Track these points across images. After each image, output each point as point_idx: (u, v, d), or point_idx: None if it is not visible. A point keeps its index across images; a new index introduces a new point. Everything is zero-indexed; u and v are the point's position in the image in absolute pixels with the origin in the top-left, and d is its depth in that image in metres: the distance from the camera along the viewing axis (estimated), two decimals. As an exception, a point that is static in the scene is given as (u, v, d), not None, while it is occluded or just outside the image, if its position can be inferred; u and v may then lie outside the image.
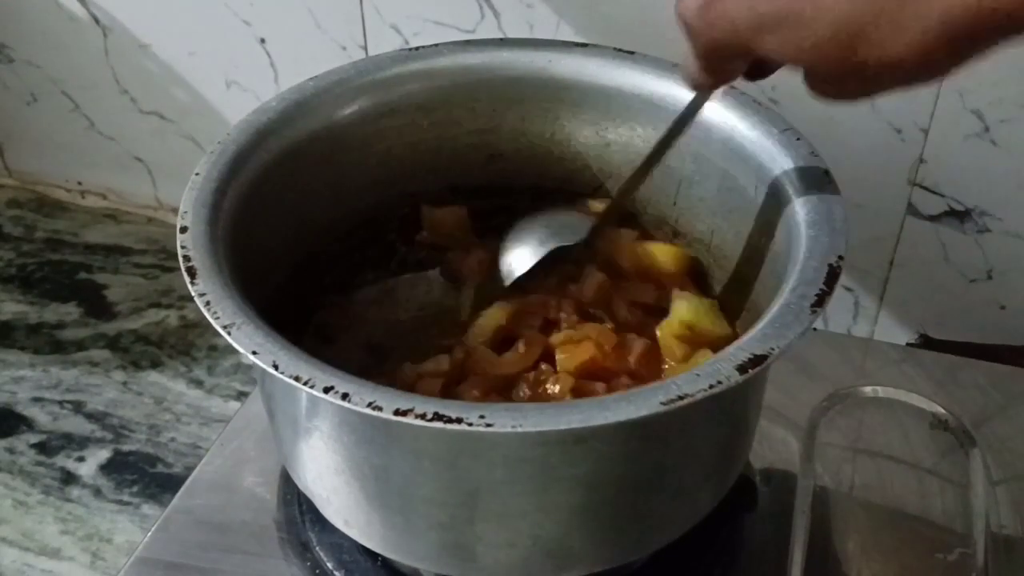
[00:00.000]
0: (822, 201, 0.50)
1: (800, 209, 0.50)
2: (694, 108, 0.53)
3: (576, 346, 0.54)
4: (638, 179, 0.57)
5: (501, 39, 0.69)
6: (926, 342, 0.80)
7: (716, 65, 0.46)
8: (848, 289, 0.79)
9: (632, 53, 0.60)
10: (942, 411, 0.67)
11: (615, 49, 0.61)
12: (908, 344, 0.80)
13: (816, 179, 0.51)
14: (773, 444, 0.66)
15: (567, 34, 0.75)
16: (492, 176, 0.65)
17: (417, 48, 0.61)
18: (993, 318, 0.76)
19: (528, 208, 0.65)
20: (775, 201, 0.53)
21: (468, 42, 0.62)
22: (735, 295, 0.60)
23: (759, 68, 0.47)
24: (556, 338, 0.55)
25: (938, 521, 0.62)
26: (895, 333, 0.80)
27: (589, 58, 0.61)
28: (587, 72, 0.61)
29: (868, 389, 0.69)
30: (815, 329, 0.76)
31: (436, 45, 0.62)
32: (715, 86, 0.50)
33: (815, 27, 0.38)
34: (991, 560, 0.59)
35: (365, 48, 0.82)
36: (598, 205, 0.62)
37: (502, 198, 0.65)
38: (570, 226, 0.59)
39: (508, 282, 0.59)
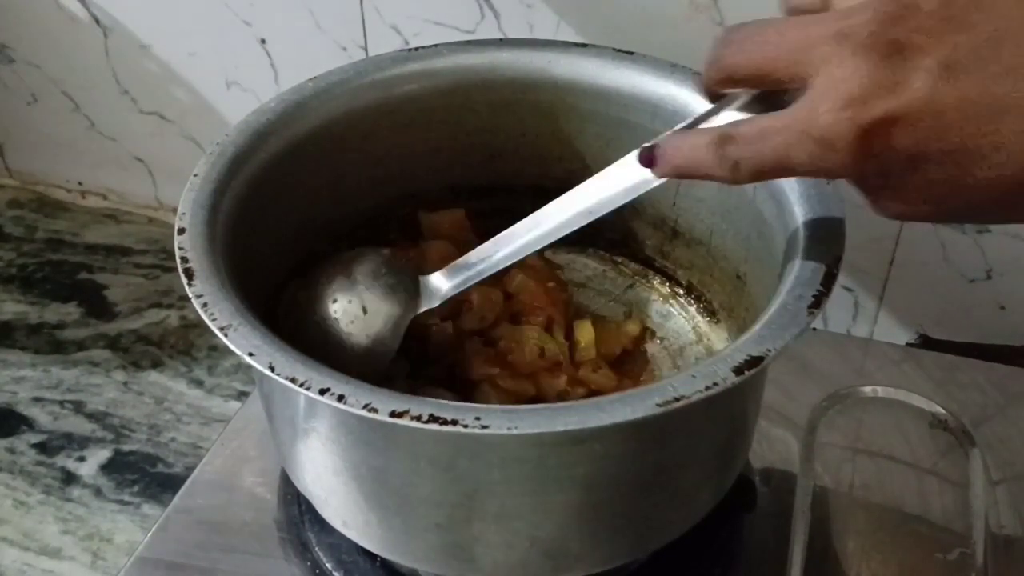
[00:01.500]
0: (821, 201, 0.50)
1: (799, 209, 0.50)
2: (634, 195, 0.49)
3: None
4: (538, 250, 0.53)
5: (501, 39, 0.69)
6: (926, 342, 0.80)
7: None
8: (848, 289, 0.79)
9: (632, 53, 0.60)
10: (942, 411, 0.67)
11: (615, 49, 0.61)
12: (908, 344, 0.80)
13: (815, 179, 0.51)
14: (773, 444, 0.66)
15: (567, 34, 0.75)
16: (492, 176, 0.65)
17: (417, 48, 0.61)
18: (993, 318, 0.76)
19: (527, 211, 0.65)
20: (774, 201, 0.52)
21: (468, 42, 0.62)
22: (734, 295, 0.60)
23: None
24: None
25: (938, 521, 0.62)
26: (895, 333, 0.80)
27: (589, 58, 0.61)
28: (587, 72, 0.61)
29: (868, 389, 0.69)
30: (815, 329, 0.77)
31: (436, 45, 0.61)
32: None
33: (985, 172, 0.36)
34: (991, 560, 0.59)
35: (365, 48, 0.82)
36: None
37: (503, 198, 0.65)
38: (403, 288, 0.55)
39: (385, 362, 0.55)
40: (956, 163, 0.36)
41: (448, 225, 0.64)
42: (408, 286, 0.55)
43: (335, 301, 0.54)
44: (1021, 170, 0.36)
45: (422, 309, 0.55)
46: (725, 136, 0.41)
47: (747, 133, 0.41)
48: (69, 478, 0.76)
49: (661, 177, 0.46)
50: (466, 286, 0.54)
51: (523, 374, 0.57)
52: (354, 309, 0.53)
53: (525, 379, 0.57)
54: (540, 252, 0.63)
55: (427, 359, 0.58)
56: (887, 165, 0.38)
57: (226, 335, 0.43)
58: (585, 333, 0.61)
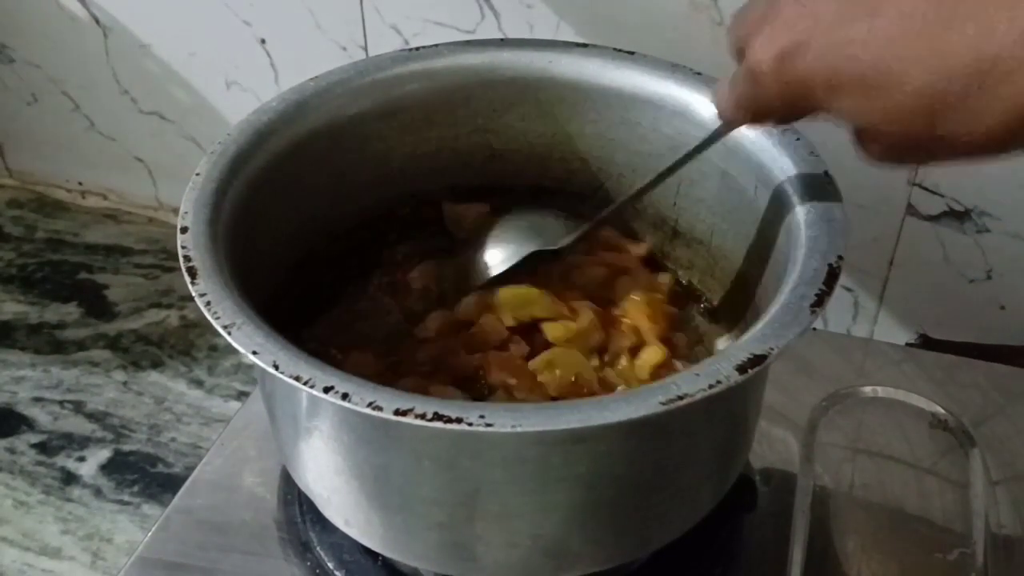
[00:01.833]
0: (822, 201, 0.50)
1: (800, 209, 0.50)
2: (715, 138, 0.52)
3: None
4: (635, 198, 0.58)
5: (501, 39, 0.69)
6: (926, 342, 0.80)
7: (766, 113, 0.45)
8: (848, 289, 0.79)
9: (632, 53, 0.60)
10: (942, 411, 0.68)
11: (615, 49, 0.61)
12: (908, 344, 0.80)
13: (816, 179, 0.51)
14: (773, 444, 0.66)
15: (567, 34, 0.75)
16: (492, 176, 0.65)
17: (417, 48, 0.61)
18: (993, 318, 0.76)
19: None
20: (775, 201, 0.53)
21: (468, 42, 0.62)
22: (735, 295, 0.60)
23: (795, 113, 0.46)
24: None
25: (938, 521, 0.62)
26: (895, 333, 0.80)
27: (589, 58, 0.61)
28: (587, 72, 0.61)
29: (868, 389, 0.69)
30: (815, 329, 0.77)
31: (436, 45, 0.62)
32: (744, 124, 0.49)
33: (899, 95, 0.37)
34: (990, 560, 0.59)
35: (365, 48, 0.82)
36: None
37: (503, 198, 0.65)
38: (550, 229, 0.60)
39: (480, 280, 0.59)
40: (868, 90, 0.38)
41: (472, 218, 0.64)
42: (548, 231, 0.60)
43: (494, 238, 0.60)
44: (934, 94, 0.36)
45: (544, 248, 0.59)
46: (735, 79, 0.46)
47: (739, 75, 0.45)
48: (69, 478, 0.76)
49: (719, 119, 0.50)
50: (579, 233, 0.59)
51: (545, 393, 0.56)
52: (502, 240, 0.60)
53: (544, 397, 0.56)
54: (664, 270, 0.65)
55: (463, 347, 0.58)
56: (807, 92, 0.40)
57: (230, 333, 0.43)
58: (652, 357, 0.59)
